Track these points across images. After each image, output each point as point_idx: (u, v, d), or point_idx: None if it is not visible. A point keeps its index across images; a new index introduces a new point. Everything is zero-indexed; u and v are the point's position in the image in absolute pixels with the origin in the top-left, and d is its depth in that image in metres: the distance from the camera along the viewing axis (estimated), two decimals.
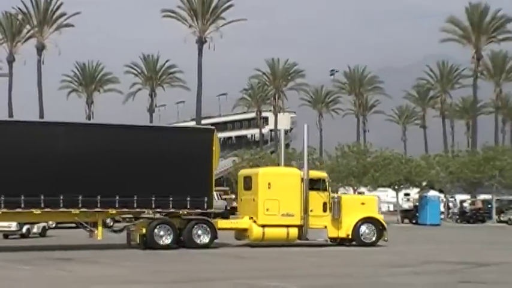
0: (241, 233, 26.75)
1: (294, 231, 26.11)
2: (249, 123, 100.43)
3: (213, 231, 25.45)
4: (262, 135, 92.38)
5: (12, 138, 24.01)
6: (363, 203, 27.53)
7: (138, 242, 25.14)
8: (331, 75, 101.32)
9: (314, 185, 26.51)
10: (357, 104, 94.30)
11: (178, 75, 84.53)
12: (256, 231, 26.03)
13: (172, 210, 25.21)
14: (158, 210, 25.34)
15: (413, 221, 46.77)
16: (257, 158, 56.37)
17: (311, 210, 26.18)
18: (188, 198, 25.19)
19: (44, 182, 23.84)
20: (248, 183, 26.92)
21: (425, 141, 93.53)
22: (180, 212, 25.34)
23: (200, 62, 72.25)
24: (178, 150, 25.49)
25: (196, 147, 25.73)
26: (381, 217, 27.66)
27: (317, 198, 26.36)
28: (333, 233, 26.65)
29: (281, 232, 26.12)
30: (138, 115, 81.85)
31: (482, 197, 58.73)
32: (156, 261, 21.09)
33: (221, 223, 26.35)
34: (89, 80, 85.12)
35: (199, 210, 25.59)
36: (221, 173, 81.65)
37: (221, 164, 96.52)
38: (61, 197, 24.00)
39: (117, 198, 24.55)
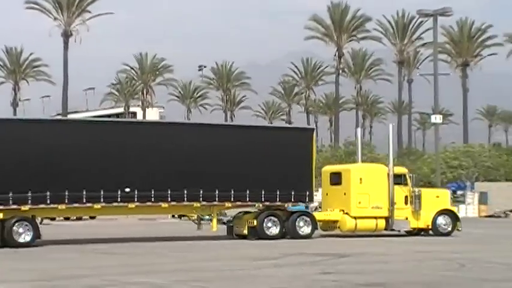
0: (330, 224, 28.79)
1: (381, 223, 28.52)
2: (117, 117, 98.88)
3: (314, 223, 27.67)
4: None
5: (142, 138, 25.78)
6: (437, 196, 29.82)
7: (246, 233, 27.17)
8: (200, 70, 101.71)
9: (397, 180, 28.81)
10: (224, 100, 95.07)
11: (44, 69, 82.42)
12: (349, 223, 28.28)
13: (278, 203, 27.26)
14: (267, 203, 27.27)
15: None
16: None
17: (395, 203, 28.43)
18: (292, 192, 27.25)
19: (170, 178, 25.72)
20: (337, 178, 29.09)
21: None
22: (286, 205, 27.46)
23: (66, 55, 70.63)
24: (284, 148, 27.41)
25: (300, 145, 27.83)
26: (454, 209, 30.26)
27: (399, 192, 28.75)
28: (413, 224, 28.97)
29: (371, 223, 28.49)
30: (1, 109, 78.98)
31: None
32: (21, 259, 20.54)
33: (317, 215, 28.40)
34: None
35: (301, 203, 27.93)
36: None
37: None
38: (185, 192, 25.82)
39: (232, 192, 26.46)
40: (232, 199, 26.61)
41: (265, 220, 27.08)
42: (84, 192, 24.53)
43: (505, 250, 23.64)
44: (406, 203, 28.77)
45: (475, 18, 79.93)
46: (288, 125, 30.25)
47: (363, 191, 28.39)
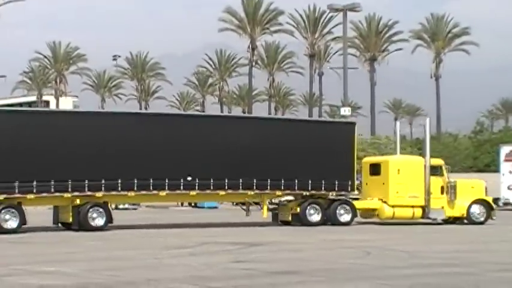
0: (369, 212, 29.81)
1: (418, 211, 29.48)
2: (30, 106, 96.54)
3: (353, 211, 28.86)
4: None
5: (203, 131, 27.18)
6: (472, 187, 30.68)
7: (290, 219, 28.40)
8: (114, 60, 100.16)
9: (433, 170, 29.74)
10: (139, 90, 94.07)
11: None
12: (387, 211, 29.31)
13: (323, 192, 28.61)
14: (313, 192, 28.42)
15: (193, 204, 47.17)
16: None
17: (431, 193, 29.33)
18: (336, 182, 28.57)
19: (228, 168, 27.01)
20: (376, 169, 30.16)
21: None
22: (330, 194, 28.89)
23: None
24: (328, 140, 28.87)
25: (343, 138, 29.34)
26: (489, 199, 30.63)
27: (436, 182, 29.67)
28: (448, 212, 29.87)
29: (408, 211, 29.48)
30: None
31: None
32: None
33: (357, 204, 29.36)
34: None
35: (344, 192, 29.24)
36: None
37: None
38: (240, 181, 27.17)
39: (283, 181, 27.78)
40: (282, 188, 27.98)
41: (308, 208, 28.25)
42: (151, 181, 25.97)
43: (408, 238, 24.22)
44: (442, 192, 29.72)
45: (383, 15, 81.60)
46: (332, 120, 33.40)
47: (400, 181, 29.44)
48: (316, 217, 28.31)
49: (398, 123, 37.16)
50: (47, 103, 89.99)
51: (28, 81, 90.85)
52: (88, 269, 15.16)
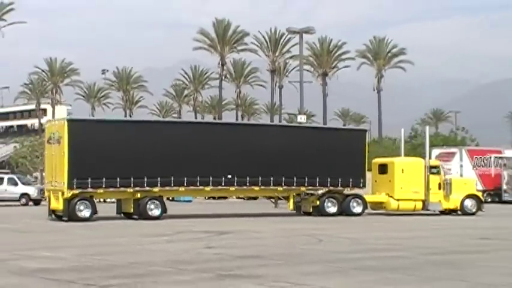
0: (378, 205, 30.34)
1: (419, 204, 30.05)
2: (29, 113, 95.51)
3: (364, 204, 29.26)
4: (40, 124, 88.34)
5: (241, 136, 27.77)
6: (465, 184, 31.64)
7: (311, 211, 28.86)
8: (103, 73, 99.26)
9: (432, 170, 30.42)
10: (124, 100, 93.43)
11: None
12: (393, 204, 29.94)
13: (340, 188, 28.94)
14: (331, 188, 28.82)
15: (170, 198, 46.72)
16: (36, 145, 53.74)
17: (430, 189, 29.88)
18: (350, 179, 28.99)
19: (261, 168, 27.32)
20: (383, 169, 30.67)
21: None
22: (344, 190, 29.19)
23: None
24: (344, 144, 29.35)
25: (356, 142, 29.77)
26: (479, 194, 31.74)
27: (434, 180, 30.29)
28: (445, 205, 30.41)
29: (410, 204, 30.00)
30: None
31: None
32: None
33: (367, 198, 29.70)
34: None
35: (357, 188, 29.49)
36: (2, 158, 76.68)
37: (3, 150, 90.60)
38: (271, 178, 27.64)
39: (306, 179, 28.21)
40: (305, 184, 28.36)
41: (326, 201, 28.75)
42: (198, 178, 26.53)
43: (350, 227, 23.95)
44: (439, 188, 30.18)
45: (333, 36, 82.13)
46: (347, 127, 35.11)
47: (404, 179, 29.95)
48: (333, 209, 28.69)
49: (402, 130, 36.53)
50: (45, 111, 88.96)
51: (28, 91, 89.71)
52: (79, 254, 15.02)
